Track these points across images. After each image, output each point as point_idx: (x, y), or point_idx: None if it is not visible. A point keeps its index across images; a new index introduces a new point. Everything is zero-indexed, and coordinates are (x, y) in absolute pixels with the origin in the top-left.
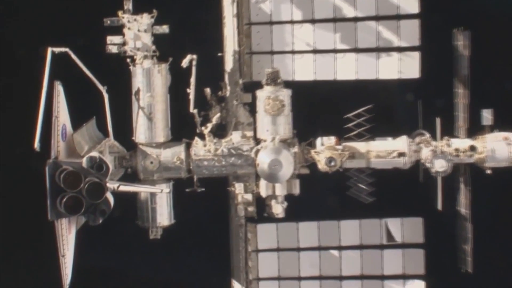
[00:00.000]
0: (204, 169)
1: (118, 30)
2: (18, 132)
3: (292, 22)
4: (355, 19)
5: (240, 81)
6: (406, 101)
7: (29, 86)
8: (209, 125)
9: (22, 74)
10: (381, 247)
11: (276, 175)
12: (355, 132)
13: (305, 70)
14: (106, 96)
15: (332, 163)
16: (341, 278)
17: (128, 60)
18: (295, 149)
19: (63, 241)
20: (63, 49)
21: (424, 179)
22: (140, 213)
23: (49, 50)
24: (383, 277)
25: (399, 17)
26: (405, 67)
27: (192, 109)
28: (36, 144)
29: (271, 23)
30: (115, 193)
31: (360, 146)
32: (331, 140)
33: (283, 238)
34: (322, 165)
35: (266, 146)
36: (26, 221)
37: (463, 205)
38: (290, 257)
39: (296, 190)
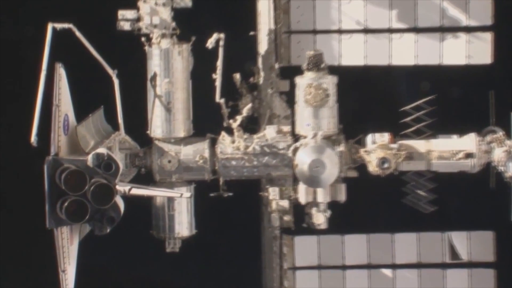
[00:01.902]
0: (232, 170)
1: (131, 3)
2: (13, 124)
3: None
4: None
5: (276, 66)
6: (475, 92)
7: (26, 69)
8: (239, 118)
9: (18, 54)
10: (444, 266)
11: (318, 178)
12: (413, 128)
13: (354, 53)
14: (116, 82)
15: (386, 165)
16: None
17: (143, 39)
18: (341, 147)
19: (64, 253)
20: (66, 25)
21: (496, 185)
22: (155, 221)
23: (50, 26)
24: None
25: None
26: (475, 51)
27: (218, 99)
28: (33, 138)
29: None
30: (126, 198)
31: (419, 145)
32: (384, 137)
33: (325, 253)
34: (373, 167)
35: (306, 143)
36: (24, 227)
37: None
38: (333, 276)
39: (342, 197)
